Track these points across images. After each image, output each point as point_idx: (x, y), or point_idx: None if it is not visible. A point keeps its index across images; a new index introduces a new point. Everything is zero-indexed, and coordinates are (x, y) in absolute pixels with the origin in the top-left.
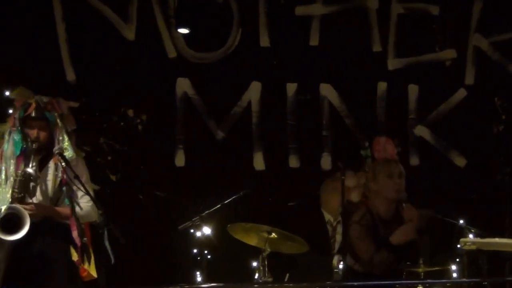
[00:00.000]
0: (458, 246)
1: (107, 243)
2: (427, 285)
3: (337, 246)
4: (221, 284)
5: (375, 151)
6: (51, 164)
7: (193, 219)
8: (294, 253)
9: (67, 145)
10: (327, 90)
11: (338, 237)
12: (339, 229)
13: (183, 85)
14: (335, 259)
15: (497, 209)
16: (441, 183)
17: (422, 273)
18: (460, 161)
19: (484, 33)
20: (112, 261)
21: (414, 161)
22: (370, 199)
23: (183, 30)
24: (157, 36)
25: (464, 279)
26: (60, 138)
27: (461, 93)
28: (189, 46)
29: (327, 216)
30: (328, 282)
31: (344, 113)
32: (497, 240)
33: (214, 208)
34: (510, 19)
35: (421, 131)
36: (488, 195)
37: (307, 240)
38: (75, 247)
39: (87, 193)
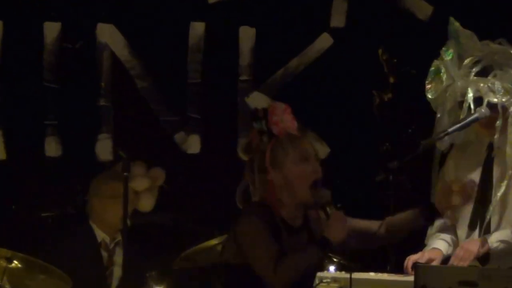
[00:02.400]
0: (315, 283)
1: None
2: None
3: (115, 282)
4: None
5: (273, 123)
6: None
7: None
8: None
9: None
10: (108, 34)
11: (117, 270)
12: (118, 256)
13: None
14: None
15: None
16: None
17: None
18: (320, 150)
19: None
20: None
21: None
22: (267, 197)
23: None
24: None
25: None
26: None
27: (324, 40)
28: None
29: (101, 235)
30: None
31: (136, 71)
32: (372, 275)
33: None
34: None
35: (258, 100)
36: (362, 205)
37: (70, 273)
38: None
39: None
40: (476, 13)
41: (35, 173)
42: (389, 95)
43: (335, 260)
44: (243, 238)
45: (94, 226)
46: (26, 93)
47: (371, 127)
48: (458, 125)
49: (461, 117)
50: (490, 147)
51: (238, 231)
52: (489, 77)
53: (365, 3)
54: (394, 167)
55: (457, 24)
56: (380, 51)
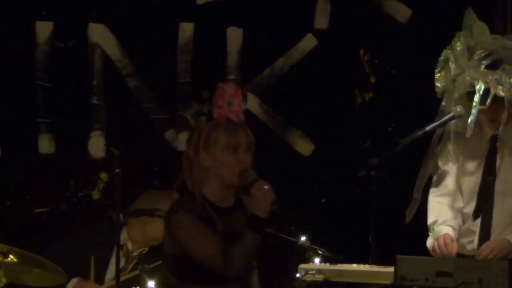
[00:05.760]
0: (297, 275)
1: None
2: None
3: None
4: None
5: (216, 106)
6: None
7: None
8: (45, 286)
9: None
10: (99, 34)
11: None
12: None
13: None
14: None
15: (358, 221)
16: None
17: None
18: (304, 147)
19: None
20: None
21: None
22: (194, 178)
23: None
24: None
25: None
26: None
27: (309, 41)
28: None
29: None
30: None
31: (127, 70)
32: (355, 267)
33: None
34: None
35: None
36: (345, 199)
37: (67, 267)
38: None
39: None
40: (453, 16)
41: (29, 170)
42: (370, 95)
43: (319, 252)
44: (179, 234)
45: (126, 240)
46: (19, 92)
47: (353, 125)
48: (435, 124)
49: (473, 105)
50: (493, 139)
51: (173, 229)
52: (497, 71)
53: (347, 5)
54: (374, 164)
55: (473, 15)
56: (361, 52)
